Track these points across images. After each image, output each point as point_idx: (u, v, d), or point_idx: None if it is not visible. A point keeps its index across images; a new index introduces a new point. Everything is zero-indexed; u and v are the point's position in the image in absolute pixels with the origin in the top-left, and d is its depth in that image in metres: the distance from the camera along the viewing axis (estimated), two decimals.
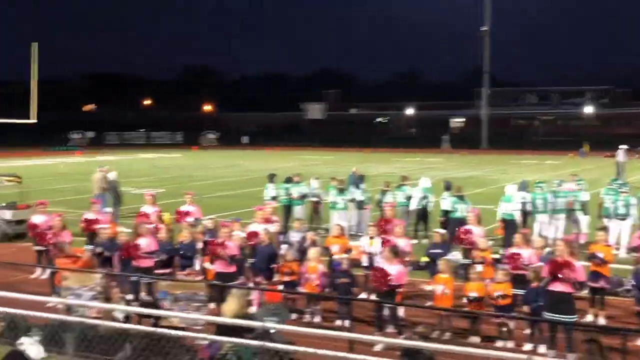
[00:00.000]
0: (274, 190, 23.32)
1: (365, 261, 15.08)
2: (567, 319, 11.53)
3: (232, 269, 14.12)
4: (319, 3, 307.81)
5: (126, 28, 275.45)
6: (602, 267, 13.76)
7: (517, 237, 14.19)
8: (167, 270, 14.82)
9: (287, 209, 22.75)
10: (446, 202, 20.65)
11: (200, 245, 15.44)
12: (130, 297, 13.74)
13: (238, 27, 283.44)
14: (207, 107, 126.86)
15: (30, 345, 10.74)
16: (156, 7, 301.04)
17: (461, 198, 20.26)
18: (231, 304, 11.19)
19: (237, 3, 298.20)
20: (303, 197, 23.09)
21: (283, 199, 22.92)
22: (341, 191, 22.03)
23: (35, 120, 58.70)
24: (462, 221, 19.09)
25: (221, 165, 56.03)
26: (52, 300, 12.48)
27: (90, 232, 17.63)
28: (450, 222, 19.80)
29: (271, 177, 23.97)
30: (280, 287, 13.95)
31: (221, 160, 61.29)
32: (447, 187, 21.33)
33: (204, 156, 69.23)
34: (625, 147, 42.70)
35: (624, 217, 19.57)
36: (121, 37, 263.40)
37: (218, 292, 13.09)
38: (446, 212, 20.51)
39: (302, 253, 14.89)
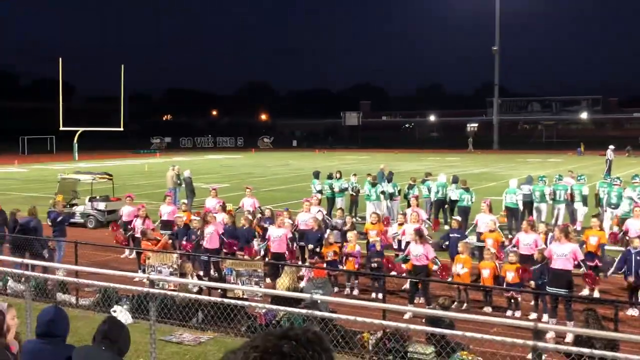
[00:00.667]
0: (319, 184, 23.34)
1: (395, 244, 15.03)
2: (566, 293, 11.38)
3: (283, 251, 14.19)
4: (355, 28, 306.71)
5: (196, 51, 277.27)
6: (596, 249, 13.62)
7: (524, 224, 14.01)
8: (232, 251, 14.92)
9: (331, 201, 22.75)
10: (454, 193, 20.65)
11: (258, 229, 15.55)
12: (201, 273, 13.91)
13: (287, 51, 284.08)
14: (263, 116, 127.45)
15: (120, 312, 10.96)
16: (215, 36, 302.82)
17: (467, 190, 20.17)
18: (284, 279, 11.27)
19: (289, 37, 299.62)
20: (343, 190, 23.07)
21: (327, 192, 22.93)
22: (374, 185, 21.99)
23: (122, 129, 60.09)
24: (466, 209, 19.53)
25: (275, 164, 56.25)
26: (138, 275, 12.68)
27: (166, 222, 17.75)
28: (458, 209, 19.89)
29: (316, 174, 23.97)
30: (325, 266, 13.99)
31: (275, 160, 61.53)
32: (454, 181, 21.32)
33: (260, 157, 69.56)
34: (612, 147, 42.44)
35: (616, 206, 19.20)
36: (192, 58, 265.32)
37: (274, 269, 13.18)
38: (454, 202, 20.56)
39: (343, 235, 14.91)
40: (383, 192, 21.77)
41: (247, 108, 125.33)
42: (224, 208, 17.73)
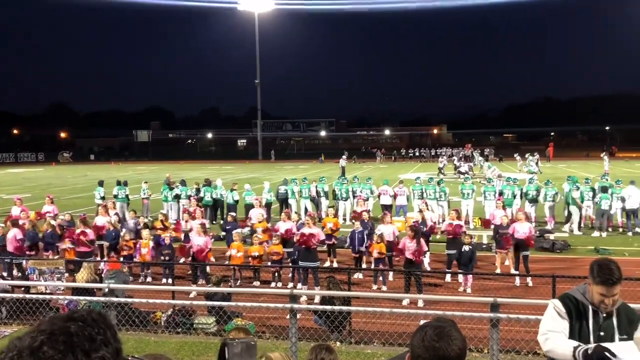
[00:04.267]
0: (103, 191, 21.56)
1: (182, 237, 14.63)
2: (313, 265, 11.94)
3: (89, 249, 13.11)
4: (147, 58, 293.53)
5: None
6: (332, 231, 14.34)
7: (283, 215, 14.39)
8: (33, 252, 13.38)
9: (124, 205, 21.29)
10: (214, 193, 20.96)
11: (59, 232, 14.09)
12: (4, 274, 12.24)
13: (84, 76, 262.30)
14: (63, 134, 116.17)
15: None
16: (18, 57, 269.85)
17: (232, 190, 20.39)
18: (83, 273, 10.38)
19: (86, 63, 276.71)
20: (126, 196, 21.62)
21: (120, 198, 21.34)
22: (171, 189, 21.34)
23: None
24: (230, 205, 19.83)
25: (74, 175, 51.53)
26: None
27: None
28: (227, 205, 20.17)
29: (101, 183, 22.23)
30: (121, 259, 13.13)
31: (74, 172, 56.38)
32: (209, 183, 21.48)
33: (61, 170, 63.25)
34: (344, 156, 46.58)
35: (346, 199, 20.68)
36: None
37: (75, 265, 12.06)
38: (216, 200, 20.83)
39: (136, 234, 14.14)
40: (177, 196, 21.10)
41: (48, 127, 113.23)
42: (27, 215, 15.77)
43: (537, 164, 43.78)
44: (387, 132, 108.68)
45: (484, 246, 15.95)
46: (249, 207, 18.61)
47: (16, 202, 17.52)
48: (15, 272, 12.59)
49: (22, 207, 16.86)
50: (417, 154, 76.19)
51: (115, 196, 21.16)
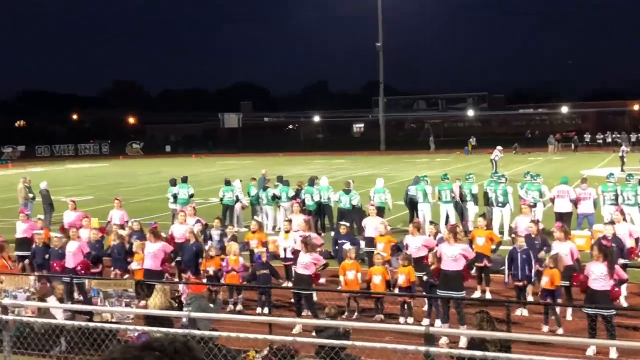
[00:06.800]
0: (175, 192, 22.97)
1: (282, 254, 15.06)
2: (456, 295, 11.80)
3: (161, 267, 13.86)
4: (234, 23, 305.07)
5: (56, 47, 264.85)
6: (483, 249, 14.04)
7: (410, 227, 14.34)
8: (97, 270, 14.38)
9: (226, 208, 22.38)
10: (334, 195, 21.30)
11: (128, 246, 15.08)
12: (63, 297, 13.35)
13: (158, 48, 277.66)
14: (131, 120, 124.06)
15: None
16: (73, 32, 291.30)
17: (347, 192, 20.58)
18: (156, 298, 11.03)
19: (160, 33, 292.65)
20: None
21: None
22: (265, 189, 22.09)
23: None
24: (344, 211, 20.05)
25: (146, 172, 54.89)
26: None
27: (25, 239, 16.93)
28: (338, 212, 20.36)
29: (172, 182, 23.51)
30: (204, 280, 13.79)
31: (146, 168, 60.08)
32: (311, 183, 22.01)
33: (129, 164, 67.71)
34: (500, 147, 45.58)
35: (503, 204, 20.16)
36: (50, 55, 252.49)
37: (146, 288, 12.84)
38: (320, 205, 21.23)
39: (222, 249, 14.77)
40: (274, 197, 21.77)
41: (113, 111, 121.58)
42: (87, 222, 17.10)
43: None
44: (564, 109, 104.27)
45: None
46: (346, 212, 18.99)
47: (69, 205, 18.97)
48: (75, 294, 13.65)
49: (79, 213, 18.25)
50: (608, 140, 72.52)
51: (175, 197, 22.35)
